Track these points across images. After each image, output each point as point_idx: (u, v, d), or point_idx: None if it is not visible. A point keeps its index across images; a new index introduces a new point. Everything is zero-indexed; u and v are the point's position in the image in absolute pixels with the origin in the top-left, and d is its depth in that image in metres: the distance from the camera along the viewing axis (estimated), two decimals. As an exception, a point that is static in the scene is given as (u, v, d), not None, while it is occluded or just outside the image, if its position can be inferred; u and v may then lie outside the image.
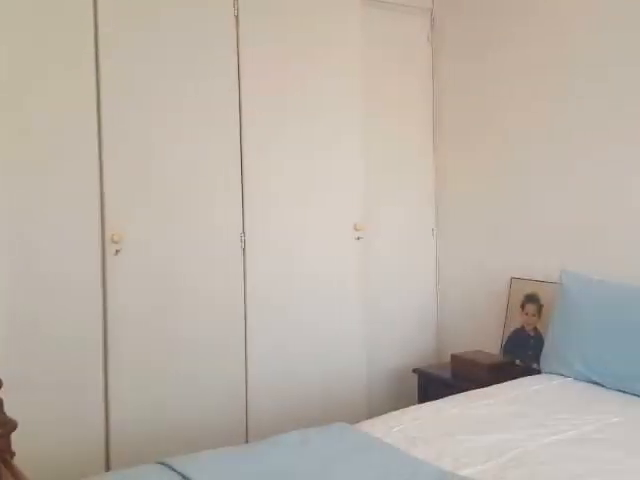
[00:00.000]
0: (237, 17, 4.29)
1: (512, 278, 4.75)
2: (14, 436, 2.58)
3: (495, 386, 3.77)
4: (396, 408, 3.48)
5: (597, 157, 4.24)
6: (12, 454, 2.56)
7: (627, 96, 4.07)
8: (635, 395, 3.45)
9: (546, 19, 4.53)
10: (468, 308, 5.20)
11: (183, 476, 2.57)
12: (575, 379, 3.77)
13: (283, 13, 4.49)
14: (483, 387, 3.77)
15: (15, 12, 3.62)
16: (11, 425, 2.53)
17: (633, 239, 4.06)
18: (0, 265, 3.61)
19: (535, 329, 4.52)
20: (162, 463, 2.73)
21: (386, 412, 3.42)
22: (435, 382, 4.65)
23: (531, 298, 4.60)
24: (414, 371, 4.83)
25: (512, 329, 4.70)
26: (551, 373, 3.92)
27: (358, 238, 4.86)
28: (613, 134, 4.16)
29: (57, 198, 3.76)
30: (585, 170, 4.30)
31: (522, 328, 4.62)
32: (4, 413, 2.53)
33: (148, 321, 4.04)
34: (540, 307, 4.52)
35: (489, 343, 4.85)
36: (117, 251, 3.91)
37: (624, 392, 3.50)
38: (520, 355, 4.58)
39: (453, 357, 4.67)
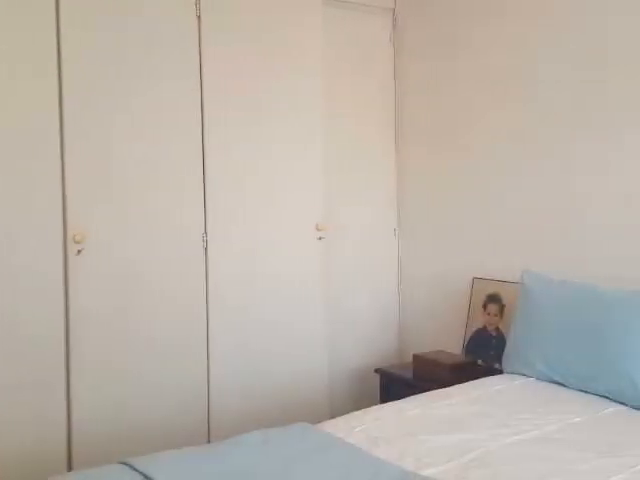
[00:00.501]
0: (199, 17, 4.28)
1: (474, 278, 4.76)
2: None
3: (457, 386, 3.77)
4: (358, 408, 3.47)
5: (558, 157, 4.26)
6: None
7: (588, 97, 4.09)
8: (596, 395, 3.45)
9: (509, 20, 4.54)
10: (430, 308, 5.20)
11: (145, 476, 2.55)
12: (537, 379, 3.77)
13: (245, 13, 4.47)
14: (445, 387, 3.77)
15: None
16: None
17: (594, 239, 4.08)
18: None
19: (497, 329, 4.53)
20: (124, 463, 2.70)
21: (348, 412, 3.42)
22: (397, 382, 4.65)
23: (493, 298, 4.60)
24: (376, 371, 4.83)
25: (474, 329, 4.71)
26: (513, 373, 3.92)
27: (320, 238, 4.85)
28: (575, 134, 4.18)
29: (19, 198, 3.72)
30: (546, 170, 4.32)
31: (484, 328, 4.63)
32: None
33: (110, 321, 4.02)
34: (502, 307, 4.53)
35: (451, 343, 4.85)
36: (79, 251, 3.89)
37: (586, 392, 3.50)
38: (482, 355, 4.59)
39: (415, 357, 4.66)
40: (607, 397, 3.41)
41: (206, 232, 4.35)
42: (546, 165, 4.33)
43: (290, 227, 4.72)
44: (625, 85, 3.91)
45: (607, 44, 3.99)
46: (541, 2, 4.35)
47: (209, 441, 4.32)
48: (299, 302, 4.77)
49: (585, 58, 4.10)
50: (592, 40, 4.06)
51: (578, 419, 3.17)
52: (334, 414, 4.23)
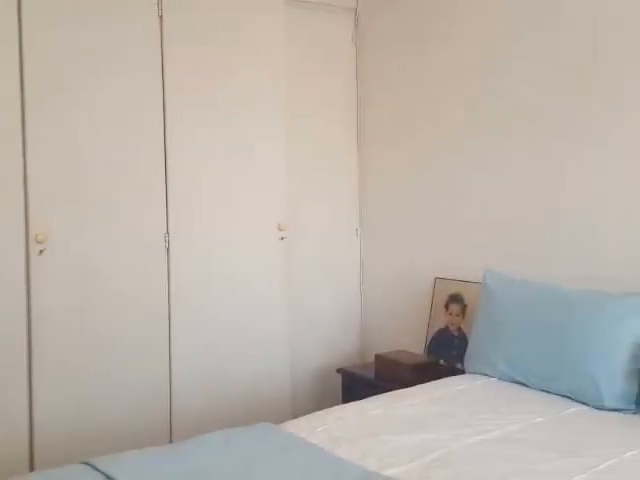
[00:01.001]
0: (161, 17, 4.27)
1: (436, 278, 4.76)
2: None
3: (419, 386, 3.76)
4: (320, 408, 3.46)
5: (520, 156, 4.27)
6: None
7: (551, 94, 4.10)
8: (558, 395, 3.46)
9: (471, 18, 4.55)
10: (392, 308, 5.20)
11: (107, 476, 2.54)
12: (499, 379, 3.77)
13: (207, 13, 4.47)
14: (407, 387, 3.76)
15: None
16: None
17: (556, 239, 4.09)
18: None
19: (459, 329, 4.53)
20: (86, 463, 2.69)
21: (310, 412, 3.40)
22: (359, 382, 4.64)
23: (455, 298, 4.61)
24: (338, 371, 4.82)
25: (436, 329, 4.70)
26: (475, 373, 3.92)
27: (282, 238, 4.84)
28: (536, 133, 4.19)
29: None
30: (510, 170, 4.33)
31: (446, 328, 4.63)
32: None
33: (72, 321, 4.01)
34: (464, 307, 4.53)
35: (413, 343, 4.84)
36: (41, 251, 3.87)
37: (548, 392, 3.50)
38: (444, 355, 4.59)
39: (377, 357, 4.66)
40: (569, 397, 3.41)
41: (168, 232, 4.33)
42: (508, 164, 4.34)
43: (252, 227, 4.71)
44: (594, 80, 3.91)
45: (576, 40, 4.00)
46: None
47: (171, 441, 4.31)
48: (261, 302, 4.76)
49: (551, 54, 4.11)
50: (559, 35, 4.07)
51: (540, 419, 3.17)
52: (296, 414, 4.21)
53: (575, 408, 3.32)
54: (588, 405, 3.33)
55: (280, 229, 4.81)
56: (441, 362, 4.58)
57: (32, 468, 3.84)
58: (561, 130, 4.07)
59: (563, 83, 4.05)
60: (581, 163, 3.97)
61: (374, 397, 3.58)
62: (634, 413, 3.22)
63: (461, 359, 4.20)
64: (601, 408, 3.27)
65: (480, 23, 4.51)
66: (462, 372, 4.09)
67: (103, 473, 2.56)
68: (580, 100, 3.98)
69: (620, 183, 3.81)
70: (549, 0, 4.10)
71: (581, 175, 3.98)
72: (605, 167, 3.87)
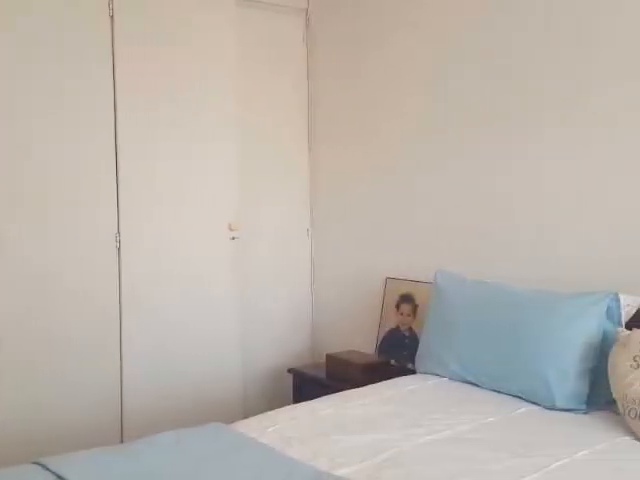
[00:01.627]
0: (112, 17, 4.27)
1: (387, 278, 4.76)
2: None
3: (370, 386, 3.75)
4: (271, 408, 3.44)
5: (471, 157, 4.29)
6: None
7: (500, 95, 4.13)
8: (510, 395, 3.46)
9: (421, 20, 4.57)
10: (343, 308, 5.20)
11: (58, 476, 2.51)
12: (450, 379, 3.77)
13: (158, 14, 4.47)
14: (358, 387, 3.75)
15: None
16: None
17: (507, 239, 4.12)
18: None
19: (410, 329, 4.54)
20: (37, 463, 2.66)
21: (261, 412, 3.38)
22: (310, 382, 4.63)
23: (406, 298, 4.61)
24: (289, 371, 4.81)
25: (387, 329, 4.71)
26: (426, 373, 3.91)
27: (233, 238, 4.85)
28: (486, 134, 4.21)
29: None
30: (460, 170, 4.35)
31: (397, 328, 4.63)
32: None
33: (24, 321, 4.00)
34: (415, 307, 4.54)
35: (364, 343, 4.84)
36: (-6, 252, 3.87)
37: (499, 392, 3.51)
38: (395, 355, 4.59)
39: (328, 357, 4.65)
40: (520, 397, 3.41)
41: (119, 232, 4.34)
42: (459, 165, 4.36)
43: (203, 227, 4.72)
44: (539, 84, 3.94)
45: (517, 43, 4.03)
46: (455, 1, 4.38)
47: (122, 441, 4.31)
48: (212, 302, 4.77)
49: (496, 56, 4.14)
50: (506, 36, 4.10)
51: (491, 419, 3.16)
52: (247, 414, 4.20)
53: (526, 408, 3.32)
54: (539, 405, 3.33)
55: (231, 229, 4.81)
56: (392, 362, 4.58)
57: (-15, 467, 3.81)
58: (509, 132, 4.10)
59: (510, 85, 4.09)
60: (529, 164, 4.01)
61: (325, 397, 3.57)
62: (585, 413, 3.22)
63: (412, 359, 4.19)
64: (552, 408, 3.28)
65: (430, 25, 4.53)
66: (413, 372, 4.08)
67: (54, 473, 2.53)
68: (526, 101, 4.01)
69: (567, 183, 3.84)
70: (498, 2, 4.12)
71: (530, 176, 4.01)
72: (553, 168, 3.90)
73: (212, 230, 4.76)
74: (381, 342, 4.73)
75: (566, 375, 3.28)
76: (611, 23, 3.65)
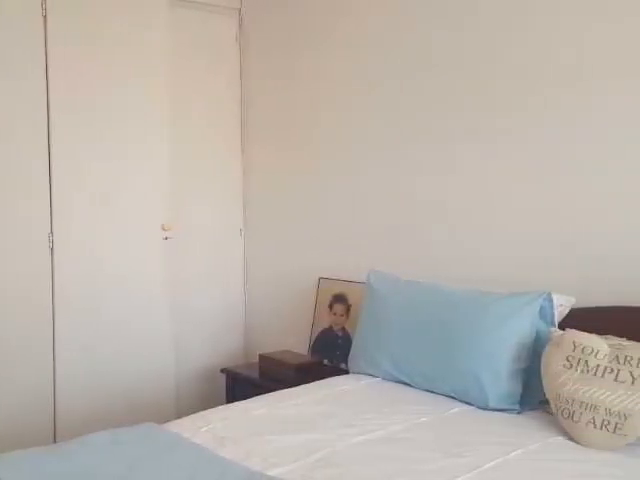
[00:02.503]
0: (45, 17, 4.25)
1: (320, 278, 4.75)
2: None
3: (303, 386, 3.74)
4: (204, 408, 3.41)
5: (401, 159, 4.31)
6: None
7: (428, 96, 4.17)
8: (443, 395, 3.47)
9: (350, 21, 4.58)
10: (276, 308, 5.19)
11: (-9, 475, 2.47)
12: (383, 379, 3.77)
13: (92, 13, 4.45)
14: (291, 387, 3.74)
15: None
16: None
17: (439, 239, 4.14)
18: None
19: (343, 329, 4.53)
20: (-31, 463, 2.62)
21: (195, 412, 3.36)
22: (243, 382, 4.61)
23: (339, 298, 4.61)
24: (222, 371, 4.77)
25: (320, 329, 4.71)
26: (359, 373, 3.91)
27: (166, 238, 4.85)
28: (415, 135, 4.24)
29: None
30: (391, 171, 4.37)
31: (330, 328, 4.62)
32: None
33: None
34: (348, 307, 4.54)
35: (297, 343, 4.83)
36: None
37: (432, 392, 3.51)
38: (328, 355, 4.58)
39: (261, 357, 4.64)
40: (453, 397, 3.43)
41: (52, 232, 4.33)
42: (390, 166, 4.37)
43: (136, 227, 4.72)
44: (461, 86, 3.99)
45: (447, 45, 4.06)
46: (387, 3, 4.38)
47: (55, 441, 4.29)
48: (145, 302, 4.77)
49: (423, 58, 4.18)
50: (431, 41, 4.13)
51: (424, 419, 3.17)
52: (180, 414, 4.18)
53: (459, 408, 3.33)
54: (472, 405, 3.34)
55: (164, 229, 4.82)
56: (325, 362, 4.58)
57: None
58: (438, 133, 4.13)
59: (437, 87, 4.12)
60: (458, 165, 4.04)
61: (258, 397, 3.55)
62: (518, 413, 3.24)
63: (345, 359, 4.18)
64: (485, 408, 3.29)
65: (358, 27, 4.54)
66: (346, 372, 4.08)
67: (-14, 472, 2.50)
68: (453, 103, 4.05)
69: (496, 184, 3.88)
70: (424, 6, 4.15)
71: (460, 177, 4.03)
72: (482, 169, 3.94)
73: (145, 230, 4.76)
74: (314, 342, 4.72)
75: (499, 375, 3.29)
76: (519, 39, 3.72)
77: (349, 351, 4.09)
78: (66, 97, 4.34)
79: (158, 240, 4.82)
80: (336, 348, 4.54)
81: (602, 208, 3.47)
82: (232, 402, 3.60)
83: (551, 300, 3.39)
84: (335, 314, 4.62)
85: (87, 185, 4.47)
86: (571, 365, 2.96)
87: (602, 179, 3.46)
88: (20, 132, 4.19)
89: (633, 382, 2.77)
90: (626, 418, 2.74)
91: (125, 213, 4.65)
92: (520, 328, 3.34)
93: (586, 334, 3.03)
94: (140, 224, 4.73)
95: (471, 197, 3.99)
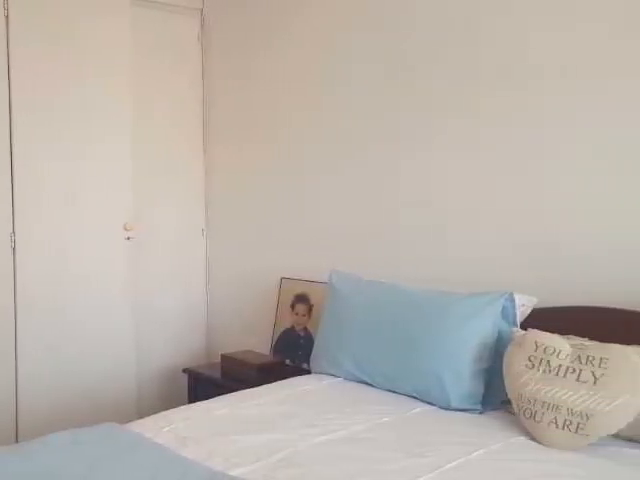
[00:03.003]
0: (7, 17, 4.24)
1: (282, 278, 4.74)
2: None
3: (265, 386, 3.73)
4: (166, 408, 3.40)
5: (362, 158, 4.33)
6: None
7: (389, 98, 4.18)
8: (405, 395, 3.47)
9: (314, 23, 4.59)
10: (238, 308, 5.18)
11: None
12: (345, 379, 3.76)
13: (54, 13, 4.44)
14: (253, 387, 3.73)
15: None
16: None
17: (401, 240, 4.15)
18: None
19: (305, 329, 4.53)
20: None
21: (156, 412, 3.34)
22: (205, 382, 4.59)
23: (301, 298, 4.61)
24: (184, 371, 4.76)
25: (282, 329, 4.69)
26: (321, 373, 3.90)
27: (128, 238, 4.84)
28: (376, 136, 4.26)
29: None
30: (352, 171, 4.37)
31: (292, 328, 4.62)
32: None
33: None
34: (310, 307, 4.54)
35: (259, 343, 4.83)
36: None
37: (394, 392, 3.52)
38: (290, 355, 4.58)
39: (223, 357, 4.62)
40: (415, 397, 3.43)
41: (14, 232, 4.32)
42: (352, 166, 4.39)
43: (98, 227, 4.71)
44: (427, 87, 4.01)
45: (406, 46, 4.09)
46: (349, 3, 4.39)
47: (17, 441, 4.28)
48: (107, 302, 4.76)
49: (386, 60, 4.19)
50: (393, 41, 4.15)
51: (386, 419, 3.17)
52: (142, 414, 4.16)
53: (421, 408, 3.33)
54: (434, 405, 3.35)
55: (126, 229, 4.80)
56: (287, 362, 4.57)
57: None
58: (398, 135, 4.15)
59: (399, 88, 4.14)
60: (418, 166, 4.07)
61: (220, 397, 3.54)
62: (480, 413, 3.25)
63: (307, 359, 4.18)
64: (447, 408, 3.30)
65: (323, 28, 4.54)
66: (308, 372, 4.07)
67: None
68: (414, 105, 4.08)
69: (456, 185, 3.90)
70: (390, 9, 4.16)
71: (420, 178, 4.06)
72: (442, 170, 3.97)
73: (107, 230, 4.75)
74: (276, 342, 4.71)
75: (461, 375, 3.30)
76: (495, 27, 3.72)
77: (311, 351, 4.08)
78: (28, 97, 4.33)
79: (121, 240, 4.81)
80: (298, 348, 4.54)
81: (564, 209, 3.49)
82: (194, 402, 3.59)
83: (513, 300, 3.40)
84: (297, 314, 4.61)
85: (50, 185, 4.45)
86: (533, 365, 2.97)
87: (566, 180, 3.48)
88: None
89: (595, 382, 2.78)
90: (588, 418, 2.75)
91: (87, 213, 4.64)
92: (482, 328, 3.35)
93: (548, 334, 3.04)
94: (103, 224, 4.72)
95: (432, 198, 4.00)
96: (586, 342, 3.00)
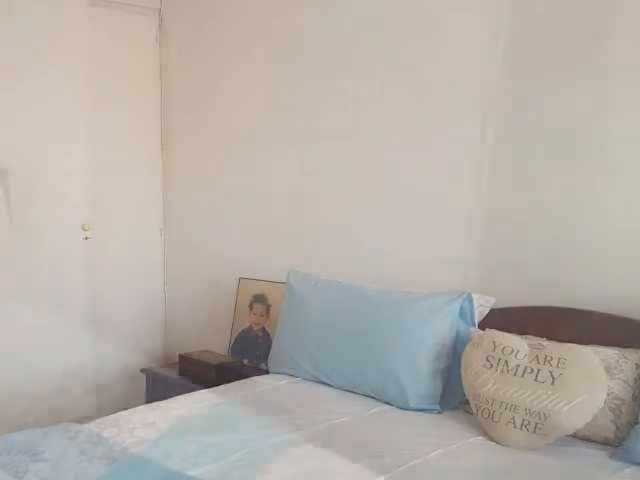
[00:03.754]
0: None
1: (240, 278, 4.73)
2: None
3: (223, 386, 3.73)
4: (125, 408, 3.37)
5: (322, 155, 4.33)
6: None
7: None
8: (363, 395, 3.48)
9: (269, 23, 4.59)
10: (196, 308, 5.17)
11: None
12: (303, 379, 3.76)
13: (12, 12, 4.41)
14: (211, 387, 3.72)
15: None
16: None
17: (359, 239, 4.16)
18: None
19: (263, 329, 4.53)
20: None
21: (115, 412, 3.31)
22: (163, 382, 4.58)
23: (259, 298, 4.60)
24: (142, 371, 4.74)
25: (240, 329, 4.68)
26: (279, 373, 3.90)
27: (86, 238, 4.83)
28: (328, 134, 4.27)
29: None
30: (310, 172, 4.38)
31: (250, 328, 4.61)
32: None
33: None
34: (268, 307, 4.53)
35: (217, 343, 4.80)
36: None
37: (352, 392, 3.52)
38: (248, 355, 4.57)
39: (181, 357, 4.60)
40: (373, 397, 3.44)
41: None
42: (308, 167, 4.40)
43: (56, 227, 4.69)
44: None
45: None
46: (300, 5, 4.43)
47: None
48: (65, 302, 4.75)
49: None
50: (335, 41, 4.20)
51: (344, 419, 3.17)
52: (100, 414, 4.11)
53: (379, 408, 3.34)
54: (392, 405, 3.36)
55: (84, 229, 4.79)
56: (245, 362, 4.56)
57: None
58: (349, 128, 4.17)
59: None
60: (373, 164, 4.07)
61: (178, 397, 3.52)
62: (438, 413, 3.26)
63: (265, 359, 4.17)
64: (406, 408, 3.30)
65: (276, 30, 4.56)
66: (266, 372, 4.07)
67: None
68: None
69: (408, 187, 3.94)
70: (342, 12, 4.18)
71: (374, 175, 4.08)
72: (398, 167, 3.98)
73: (65, 230, 4.73)
74: (234, 342, 4.69)
75: (419, 375, 3.31)
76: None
77: (269, 351, 4.08)
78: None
79: (79, 240, 4.80)
80: (256, 348, 4.53)
81: (521, 210, 3.51)
82: (152, 402, 3.55)
83: (471, 300, 3.42)
84: (255, 314, 4.60)
85: (6, 185, 4.43)
86: (491, 365, 2.98)
87: (529, 180, 3.51)
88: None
89: (553, 382, 2.80)
90: (546, 418, 2.77)
91: (45, 213, 4.62)
92: (440, 328, 3.36)
93: (506, 334, 3.07)
94: (60, 224, 4.71)
95: (390, 197, 4.01)
96: (544, 342, 3.02)
